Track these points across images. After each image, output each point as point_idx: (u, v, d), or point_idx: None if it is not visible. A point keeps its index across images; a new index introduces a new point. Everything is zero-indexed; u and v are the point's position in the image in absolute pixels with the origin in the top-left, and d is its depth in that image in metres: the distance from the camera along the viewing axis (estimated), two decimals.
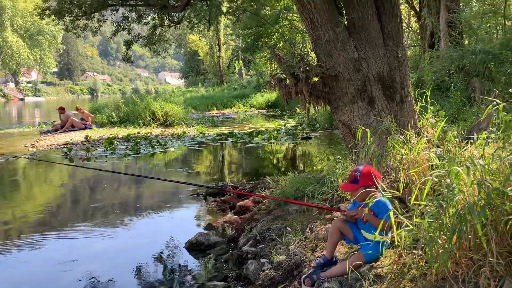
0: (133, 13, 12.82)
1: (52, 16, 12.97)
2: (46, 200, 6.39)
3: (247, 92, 29.35)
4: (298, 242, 3.33)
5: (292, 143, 11.29)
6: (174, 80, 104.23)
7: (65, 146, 10.89)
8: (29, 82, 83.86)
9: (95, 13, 12.10)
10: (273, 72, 5.19)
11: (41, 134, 13.73)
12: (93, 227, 4.87)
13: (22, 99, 68.97)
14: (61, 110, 14.70)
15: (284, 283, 2.92)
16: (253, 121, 18.52)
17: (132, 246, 4.26)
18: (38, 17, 13.93)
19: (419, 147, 3.09)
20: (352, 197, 2.89)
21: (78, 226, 4.91)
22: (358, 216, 2.74)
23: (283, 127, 14.46)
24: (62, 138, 12.54)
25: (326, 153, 9.12)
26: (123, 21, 12.99)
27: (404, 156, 3.17)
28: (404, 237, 2.37)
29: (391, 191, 2.68)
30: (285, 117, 19.10)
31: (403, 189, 2.98)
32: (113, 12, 12.09)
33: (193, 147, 10.82)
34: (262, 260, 3.33)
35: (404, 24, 13.99)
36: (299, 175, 5.20)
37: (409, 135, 3.45)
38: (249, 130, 13.76)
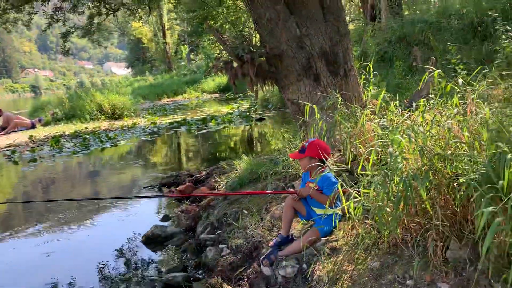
0: (66, 3, 12.00)
1: None
2: None
3: (198, 77, 28.89)
4: (255, 224, 3.33)
5: (246, 125, 11.27)
6: (120, 70, 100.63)
7: (8, 148, 10.29)
8: None
9: (25, 5, 11.25)
10: (219, 55, 5.10)
11: None
12: (50, 227, 4.65)
13: None
14: None
15: (244, 266, 2.92)
16: (206, 106, 18.30)
17: (91, 244, 4.12)
18: None
19: (364, 119, 3.13)
20: (301, 168, 2.92)
21: (33, 226, 4.66)
22: (301, 196, 2.76)
23: (237, 110, 14.39)
24: (3, 140, 11.83)
25: (280, 133, 9.17)
26: (56, 12, 12.17)
27: (350, 130, 3.21)
28: (355, 208, 2.41)
29: (339, 164, 2.72)
30: (238, 99, 19.01)
31: (351, 161, 3.02)
32: (44, 3, 11.23)
33: (145, 138, 10.56)
34: (220, 246, 3.31)
35: None
36: (255, 157, 5.20)
37: (354, 108, 3.49)
38: (202, 116, 13.58)
